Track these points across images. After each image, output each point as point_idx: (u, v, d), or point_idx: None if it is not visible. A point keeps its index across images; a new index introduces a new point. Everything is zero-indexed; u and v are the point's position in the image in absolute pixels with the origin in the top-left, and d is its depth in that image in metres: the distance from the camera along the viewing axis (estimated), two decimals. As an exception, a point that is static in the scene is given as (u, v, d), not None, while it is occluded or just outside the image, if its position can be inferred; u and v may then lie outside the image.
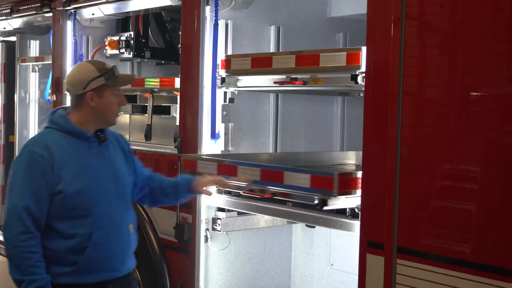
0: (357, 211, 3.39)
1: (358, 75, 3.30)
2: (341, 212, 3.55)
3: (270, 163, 4.02)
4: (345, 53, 3.35)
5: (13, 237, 3.09)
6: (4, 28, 6.48)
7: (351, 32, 4.74)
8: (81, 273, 3.20)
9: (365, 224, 3.23)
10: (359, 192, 3.28)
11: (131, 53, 5.26)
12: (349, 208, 3.44)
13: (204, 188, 3.49)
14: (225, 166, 3.64)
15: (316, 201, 3.30)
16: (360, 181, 3.27)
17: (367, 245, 3.18)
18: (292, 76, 3.68)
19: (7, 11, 6.13)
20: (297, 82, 3.65)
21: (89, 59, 5.46)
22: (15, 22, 6.24)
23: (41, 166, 3.13)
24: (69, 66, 5.37)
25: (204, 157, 3.89)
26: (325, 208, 3.34)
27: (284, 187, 3.44)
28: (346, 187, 3.28)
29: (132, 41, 5.25)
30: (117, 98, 3.29)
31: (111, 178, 3.28)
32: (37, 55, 6.19)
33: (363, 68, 3.25)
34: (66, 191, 3.15)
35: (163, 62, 5.55)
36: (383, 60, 3.13)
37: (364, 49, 3.24)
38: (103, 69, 3.24)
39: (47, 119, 3.34)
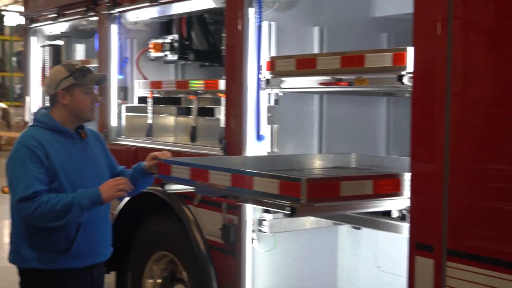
0: (405, 213, 3.37)
1: (404, 75, 3.26)
2: (387, 214, 3.51)
3: (258, 166, 3.78)
4: (391, 53, 3.32)
5: (34, 210, 3.34)
6: (50, 32, 6.59)
7: (396, 32, 4.69)
8: (73, 258, 3.52)
9: (414, 226, 3.19)
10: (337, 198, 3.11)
11: (175, 55, 5.30)
12: (397, 210, 3.41)
13: (152, 160, 3.74)
14: (198, 171, 3.52)
15: (288, 209, 3.05)
16: (339, 186, 3.09)
17: (416, 247, 3.15)
18: (337, 77, 3.66)
19: (53, 15, 6.23)
20: (343, 83, 3.62)
21: (134, 61, 5.52)
22: (61, 27, 6.34)
23: (38, 155, 3.42)
24: (114, 69, 5.44)
25: (178, 161, 3.75)
26: (295, 217, 3.12)
27: (255, 193, 3.21)
28: (317, 194, 3.03)
29: (176, 44, 5.28)
30: (88, 96, 3.59)
31: (94, 171, 3.62)
32: (83, 58, 6.28)
33: (410, 68, 3.22)
34: (60, 180, 3.46)
35: (206, 64, 5.58)
36: (430, 60, 3.10)
37: (410, 49, 3.21)
38: (72, 69, 3.57)
39: (32, 118, 3.65)
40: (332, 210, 3.36)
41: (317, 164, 4.19)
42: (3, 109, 25.75)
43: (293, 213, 3.03)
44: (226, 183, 3.33)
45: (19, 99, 26.63)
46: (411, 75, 3.21)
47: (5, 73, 27.82)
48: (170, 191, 3.83)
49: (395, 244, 4.27)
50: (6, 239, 10.03)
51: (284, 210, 3.08)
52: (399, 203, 3.36)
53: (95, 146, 3.74)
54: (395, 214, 3.43)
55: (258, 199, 3.27)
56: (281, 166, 3.99)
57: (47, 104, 3.72)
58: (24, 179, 3.38)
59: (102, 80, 3.77)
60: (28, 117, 6.80)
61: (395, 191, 3.29)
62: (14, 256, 3.59)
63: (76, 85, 3.56)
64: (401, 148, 4.57)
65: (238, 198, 3.40)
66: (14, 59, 27.49)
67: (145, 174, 3.79)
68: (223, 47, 4.56)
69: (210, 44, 5.46)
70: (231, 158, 4.12)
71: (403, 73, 3.25)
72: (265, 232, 4.17)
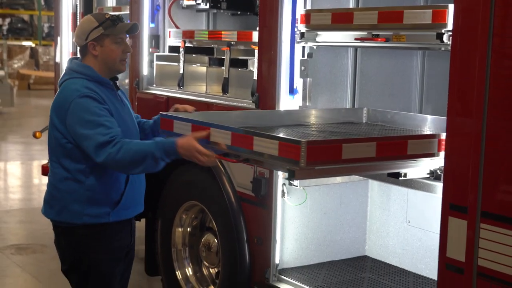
0: (439, 172, 3.34)
1: (444, 33, 3.20)
2: (394, 175, 3.42)
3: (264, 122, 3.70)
4: (431, 10, 3.24)
5: (108, 154, 3.29)
6: (81, -23, 6.53)
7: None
8: (121, 210, 3.54)
9: (448, 187, 3.17)
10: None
11: (207, 4, 5.23)
12: (431, 170, 3.38)
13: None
14: (199, 128, 3.41)
15: (287, 172, 2.93)
16: (340, 149, 2.94)
17: (450, 208, 3.14)
18: (373, 33, 3.59)
19: (85, -40, 6.17)
20: (379, 39, 3.55)
21: (166, 10, 5.47)
22: (92, -29, 6.28)
23: (99, 101, 3.40)
24: (146, 18, 5.39)
25: (179, 117, 3.64)
26: (294, 180, 3.01)
27: (254, 154, 3.09)
28: (318, 157, 2.87)
29: (208, -8, 5.21)
30: (119, 46, 3.53)
31: (130, 121, 3.62)
32: (114, 5, 6.22)
33: (450, 26, 3.15)
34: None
35: (238, 12, 5.51)
36: (471, 19, 3.02)
37: (451, 6, 3.13)
38: (102, 19, 3.50)
39: (68, 69, 3.55)
40: (334, 173, 3.26)
41: (327, 119, 4.09)
42: (31, 48, 25.83)
43: (292, 176, 2.95)
44: (227, 142, 3.23)
45: (48, 38, 26.69)
46: (451, 33, 3.14)
47: (33, 12, 27.77)
48: None
49: (425, 200, 4.27)
50: (37, 180, 10.21)
51: (286, 172, 2.99)
52: (432, 163, 3.33)
53: (124, 98, 3.73)
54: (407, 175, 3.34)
55: (258, 159, 3.17)
56: (289, 121, 3.92)
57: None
58: (97, 126, 3.31)
59: (134, 29, 3.63)
60: (59, 58, 6.83)
61: (400, 154, 3.18)
62: (59, 213, 3.51)
63: (106, 35, 3.48)
64: (435, 102, 4.51)
65: (239, 157, 3.28)
66: (42, -4, 27.39)
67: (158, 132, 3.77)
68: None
69: (243, -8, 5.38)
70: (236, 113, 4.06)
71: (443, 31, 3.18)
72: (295, 186, 4.18)
